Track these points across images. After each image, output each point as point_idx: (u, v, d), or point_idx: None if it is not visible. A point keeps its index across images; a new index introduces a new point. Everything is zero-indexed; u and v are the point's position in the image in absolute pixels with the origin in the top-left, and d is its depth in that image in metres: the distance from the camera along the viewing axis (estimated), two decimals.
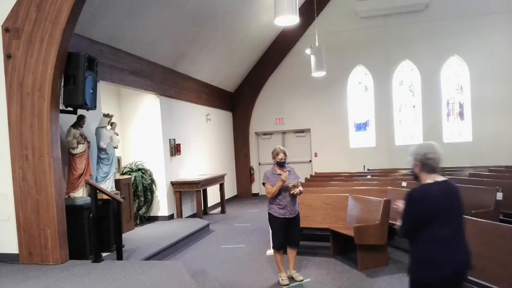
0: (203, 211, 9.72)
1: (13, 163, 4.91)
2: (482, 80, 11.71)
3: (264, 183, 5.00)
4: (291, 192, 4.81)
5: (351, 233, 5.33)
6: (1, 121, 4.91)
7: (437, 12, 11.92)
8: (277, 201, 4.87)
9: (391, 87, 12.58)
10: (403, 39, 12.23)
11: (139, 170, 8.32)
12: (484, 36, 11.60)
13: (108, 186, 6.25)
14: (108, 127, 6.65)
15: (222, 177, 10.73)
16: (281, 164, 4.97)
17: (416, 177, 2.77)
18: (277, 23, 6.00)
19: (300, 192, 4.94)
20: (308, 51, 10.59)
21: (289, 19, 5.81)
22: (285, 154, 4.97)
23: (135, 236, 7.00)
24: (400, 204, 2.79)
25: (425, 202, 2.58)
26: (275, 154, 4.99)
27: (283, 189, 4.83)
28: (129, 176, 7.83)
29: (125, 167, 8.41)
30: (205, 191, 10.27)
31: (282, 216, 4.86)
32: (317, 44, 9.93)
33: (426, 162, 2.66)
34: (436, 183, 2.64)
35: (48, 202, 4.85)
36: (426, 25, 12.00)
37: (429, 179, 2.66)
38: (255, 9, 10.32)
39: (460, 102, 12.33)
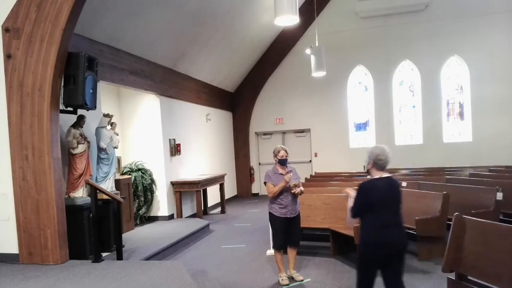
0: (203, 211, 9.73)
1: (13, 163, 4.91)
2: (482, 80, 11.70)
3: (265, 183, 4.99)
4: (292, 191, 4.81)
5: (351, 233, 5.33)
6: (1, 121, 4.91)
7: (437, 12, 11.92)
8: (279, 200, 4.87)
9: (391, 87, 12.58)
10: (403, 39, 12.23)
11: (139, 170, 8.32)
12: (484, 36, 11.60)
13: (108, 186, 6.25)
14: (108, 127, 6.65)
15: (222, 177, 10.73)
16: (283, 162, 4.96)
17: (368, 172, 3.49)
18: (277, 23, 6.00)
19: (301, 192, 4.94)
20: (308, 51, 10.59)
21: (289, 19, 5.81)
22: (286, 152, 4.98)
23: (135, 236, 7.00)
24: (350, 192, 3.69)
25: (372, 192, 3.33)
26: (276, 152, 4.99)
27: (285, 188, 4.82)
28: (129, 176, 7.83)
29: (125, 167, 8.41)
30: (205, 191, 10.27)
31: (283, 216, 4.86)
32: (317, 44, 9.93)
33: (377, 162, 3.36)
34: (382, 178, 3.37)
35: (48, 202, 4.85)
36: (426, 25, 12.00)
37: (377, 174, 3.39)
38: (255, 9, 10.33)
39: (460, 102, 12.33)
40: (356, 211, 3.44)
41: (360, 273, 3.43)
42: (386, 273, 3.33)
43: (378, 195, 3.30)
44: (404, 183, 7.45)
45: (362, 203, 3.36)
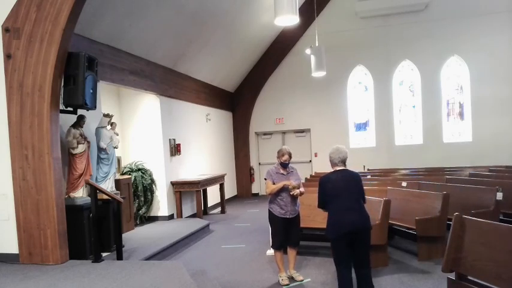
0: (203, 211, 9.73)
1: (13, 163, 4.91)
2: (482, 80, 11.71)
3: (265, 179, 5.02)
4: (291, 193, 4.81)
5: None
6: (1, 121, 4.91)
7: (437, 12, 11.92)
8: (278, 201, 4.87)
9: (391, 87, 12.58)
10: (403, 39, 12.23)
11: (139, 170, 8.32)
12: (484, 36, 11.60)
13: (108, 186, 6.25)
14: (108, 127, 6.65)
15: (222, 177, 10.74)
16: (285, 165, 5.01)
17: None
18: (277, 23, 6.00)
19: (301, 194, 4.94)
20: (308, 51, 10.59)
21: (289, 19, 5.80)
22: (290, 156, 5.01)
23: (135, 236, 7.00)
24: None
25: (327, 184, 4.01)
26: (280, 154, 5.01)
27: (284, 189, 4.83)
28: (129, 176, 7.83)
29: (125, 167, 8.41)
30: (205, 191, 10.27)
31: (282, 216, 4.86)
32: (317, 44, 9.93)
33: (331, 160, 4.11)
34: (336, 171, 4.06)
35: (48, 202, 4.85)
36: (426, 25, 12.00)
37: (333, 169, 4.09)
38: (255, 9, 10.32)
39: (460, 102, 12.33)
40: (319, 201, 4.10)
41: (334, 255, 3.99)
42: (355, 254, 3.92)
43: (331, 186, 3.98)
44: (404, 183, 7.46)
45: (322, 194, 4.04)
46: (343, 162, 4.05)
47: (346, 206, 3.88)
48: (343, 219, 3.86)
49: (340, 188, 3.94)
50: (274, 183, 4.89)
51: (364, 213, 3.96)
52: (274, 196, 4.89)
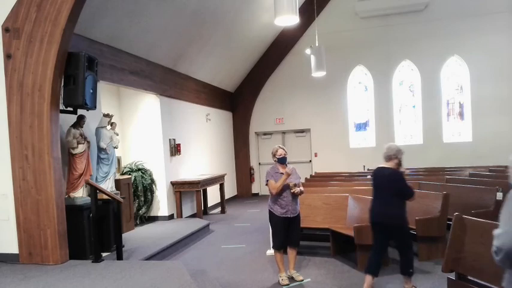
0: (203, 211, 9.73)
1: (13, 163, 4.91)
2: (482, 80, 11.70)
3: (267, 181, 4.97)
4: (292, 190, 4.80)
5: (351, 233, 5.33)
6: (1, 121, 4.91)
7: (437, 12, 11.92)
8: (279, 201, 4.86)
9: (391, 87, 12.58)
10: (403, 39, 12.23)
11: (139, 170, 8.32)
12: (484, 36, 11.60)
13: (108, 186, 6.25)
14: (108, 127, 6.65)
15: (222, 177, 10.73)
16: (282, 161, 4.97)
17: None
18: (277, 23, 6.01)
19: (301, 192, 4.93)
20: (308, 51, 10.60)
21: (289, 19, 5.81)
22: (284, 150, 5.00)
23: (135, 236, 7.00)
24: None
25: (372, 176, 4.60)
26: (274, 152, 5.01)
27: (285, 188, 4.82)
28: (129, 176, 7.83)
29: (125, 167, 8.41)
30: (205, 191, 10.27)
31: (283, 216, 4.86)
32: (317, 44, 9.93)
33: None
34: (378, 167, 4.51)
35: (48, 202, 4.85)
36: (426, 25, 12.00)
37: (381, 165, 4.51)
38: (255, 9, 10.32)
39: (460, 102, 12.33)
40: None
41: (373, 239, 4.57)
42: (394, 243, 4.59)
43: (372, 179, 4.56)
44: None
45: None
46: (386, 158, 4.40)
47: (378, 199, 4.40)
48: (372, 210, 4.46)
49: (376, 182, 4.47)
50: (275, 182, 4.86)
51: (392, 210, 4.30)
52: (276, 195, 4.87)
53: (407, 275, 4.45)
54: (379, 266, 4.43)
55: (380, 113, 12.63)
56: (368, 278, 4.38)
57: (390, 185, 4.33)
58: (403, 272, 4.47)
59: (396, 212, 4.32)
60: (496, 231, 2.10)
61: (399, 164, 4.44)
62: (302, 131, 13.43)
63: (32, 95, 4.81)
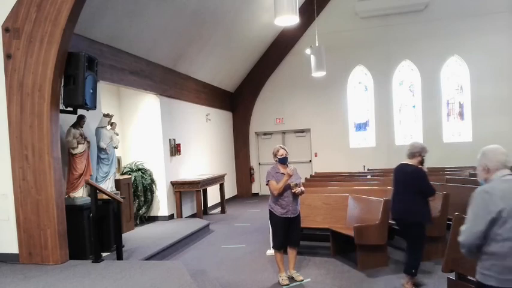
0: (203, 211, 9.73)
1: (13, 163, 4.91)
2: (482, 80, 11.70)
3: (268, 182, 4.96)
4: (293, 190, 4.80)
5: (351, 233, 5.33)
6: (1, 121, 4.91)
7: (437, 12, 11.92)
8: (279, 201, 4.86)
9: (391, 87, 12.58)
10: (403, 39, 12.22)
11: (139, 170, 8.32)
12: (484, 36, 11.59)
13: (108, 186, 6.25)
14: (108, 127, 6.65)
15: (222, 177, 10.73)
16: (283, 161, 4.96)
17: None
18: (277, 23, 6.00)
19: (302, 192, 4.93)
20: (308, 51, 10.59)
21: (289, 19, 5.80)
22: (285, 150, 5.00)
23: (135, 236, 7.00)
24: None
25: (394, 174, 4.66)
26: (276, 151, 5.00)
27: (286, 188, 4.82)
28: (129, 176, 7.83)
29: (125, 167, 8.41)
30: (205, 191, 10.27)
31: (284, 216, 4.86)
32: (317, 44, 9.93)
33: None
34: (400, 164, 4.59)
35: (48, 202, 4.84)
36: (426, 25, 12.00)
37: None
38: (255, 9, 10.32)
39: (460, 102, 12.33)
40: None
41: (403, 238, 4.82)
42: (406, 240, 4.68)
43: (394, 176, 4.64)
44: None
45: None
46: (409, 155, 4.47)
47: (397, 195, 4.50)
48: (392, 207, 4.61)
49: (396, 179, 4.56)
50: (277, 183, 4.86)
51: (412, 206, 4.39)
52: (277, 196, 4.87)
53: (410, 275, 4.46)
54: (418, 265, 4.49)
55: (380, 113, 12.63)
56: (407, 279, 4.47)
57: (412, 182, 4.38)
58: (406, 271, 4.48)
59: (416, 208, 4.38)
60: (461, 227, 2.42)
61: (422, 162, 4.48)
62: (302, 131, 13.43)
63: (32, 95, 4.81)
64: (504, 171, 2.40)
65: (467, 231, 2.34)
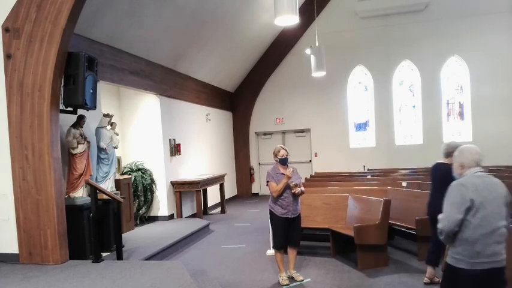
0: (203, 211, 9.73)
1: (13, 163, 4.91)
2: (482, 80, 11.70)
3: (267, 182, 4.96)
4: (293, 191, 4.80)
5: (351, 233, 5.33)
6: (1, 121, 4.91)
7: (437, 12, 11.92)
8: (280, 201, 4.86)
9: (391, 87, 12.58)
10: (403, 39, 12.23)
11: (139, 170, 8.32)
12: (484, 36, 11.59)
13: (108, 186, 6.25)
14: (108, 127, 6.65)
15: (222, 177, 10.73)
16: (284, 162, 4.96)
17: None
18: (277, 23, 6.00)
19: (302, 192, 4.93)
20: (308, 51, 10.59)
21: (289, 19, 5.80)
22: (286, 151, 4.99)
23: (135, 236, 7.00)
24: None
25: (430, 173, 4.85)
26: (276, 152, 4.99)
27: (286, 188, 4.81)
28: (129, 176, 7.83)
29: (125, 167, 8.41)
30: (205, 191, 10.27)
31: (284, 216, 4.86)
32: (317, 44, 9.93)
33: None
34: (436, 163, 4.73)
35: (48, 202, 4.84)
36: (426, 25, 12.00)
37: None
38: (255, 9, 10.32)
39: (460, 102, 12.33)
40: None
41: (431, 232, 4.71)
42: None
43: (430, 175, 4.83)
44: (404, 183, 7.45)
45: None
46: (445, 155, 4.57)
47: (435, 193, 4.56)
48: (429, 204, 4.71)
49: (433, 177, 4.74)
50: (276, 184, 4.86)
51: (432, 201, 4.59)
52: (277, 197, 4.86)
53: (433, 265, 4.70)
54: (439, 257, 4.55)
55: (380, 113, 12.63)
56: (429, 269, 4.70)
57: (440, 178, 4.46)
58: (428, 262, 4.72)
59: (433, 202, 4.52)
60: (439, 216, 2.75)
61: None
62: (302, 131, 13.43)
63: (32, 95, 4.81)
64: (477, 168, 2.82)
65: (446, 219, 2.67)
